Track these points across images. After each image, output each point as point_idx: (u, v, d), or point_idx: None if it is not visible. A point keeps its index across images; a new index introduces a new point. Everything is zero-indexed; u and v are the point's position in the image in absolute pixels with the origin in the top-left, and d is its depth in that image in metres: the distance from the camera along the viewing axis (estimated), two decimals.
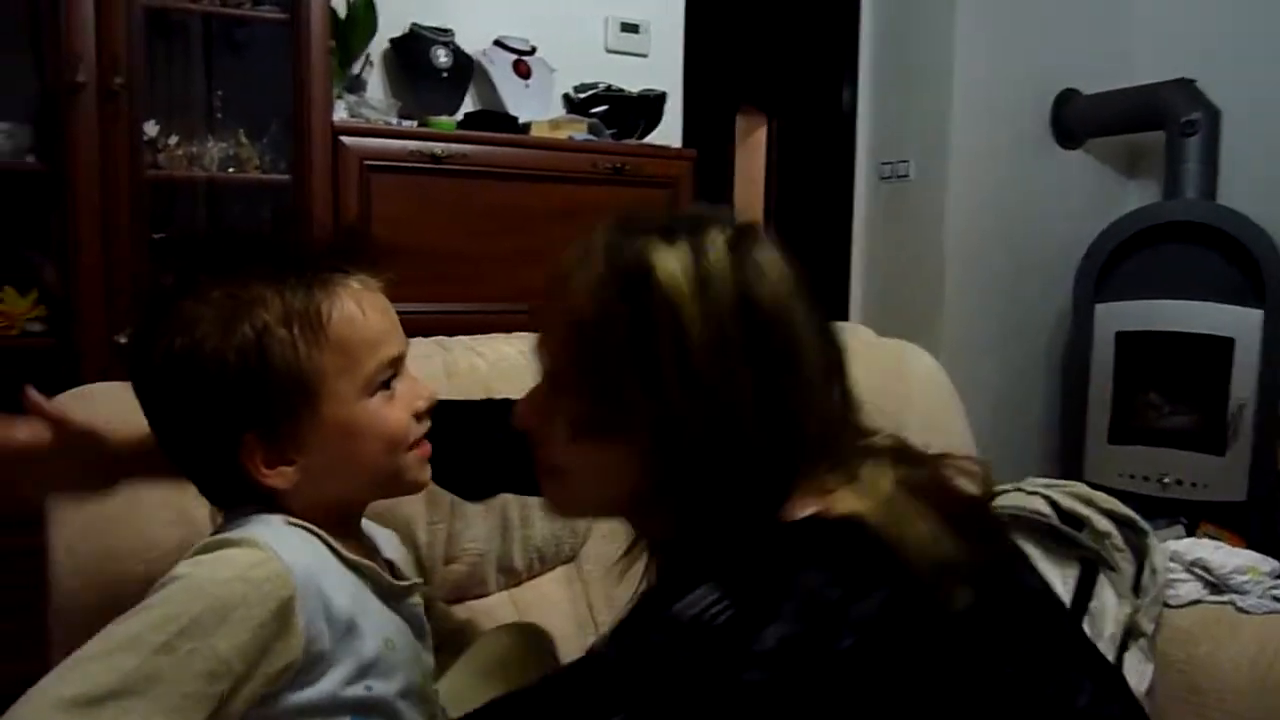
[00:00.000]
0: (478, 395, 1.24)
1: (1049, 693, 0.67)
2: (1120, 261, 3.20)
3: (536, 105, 2.59)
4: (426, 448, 0.81)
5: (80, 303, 1.94)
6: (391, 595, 0.80)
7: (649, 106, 2.65)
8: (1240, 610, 1.29)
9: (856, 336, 1.67)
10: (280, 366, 0.70)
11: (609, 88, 2.66)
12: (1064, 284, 3.38)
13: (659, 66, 2.92)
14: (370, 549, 0.84)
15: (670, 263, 0.66)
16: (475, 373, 1.26)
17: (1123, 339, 3.15)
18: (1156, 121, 3.30)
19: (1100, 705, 0.69)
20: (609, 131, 2.57)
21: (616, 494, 0.72)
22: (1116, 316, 3.17)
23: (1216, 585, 1.32)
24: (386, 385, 0.76)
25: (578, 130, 2.47)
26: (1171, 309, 3.08)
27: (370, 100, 2.38)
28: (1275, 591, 1.33)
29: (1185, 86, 3.24)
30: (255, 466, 0.72)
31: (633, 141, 2.61)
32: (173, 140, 2.15)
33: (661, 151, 2.59)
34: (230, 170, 2.21)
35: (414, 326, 1.40)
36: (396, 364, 0.77)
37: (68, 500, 0.97)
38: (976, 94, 3.39)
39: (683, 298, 0.65)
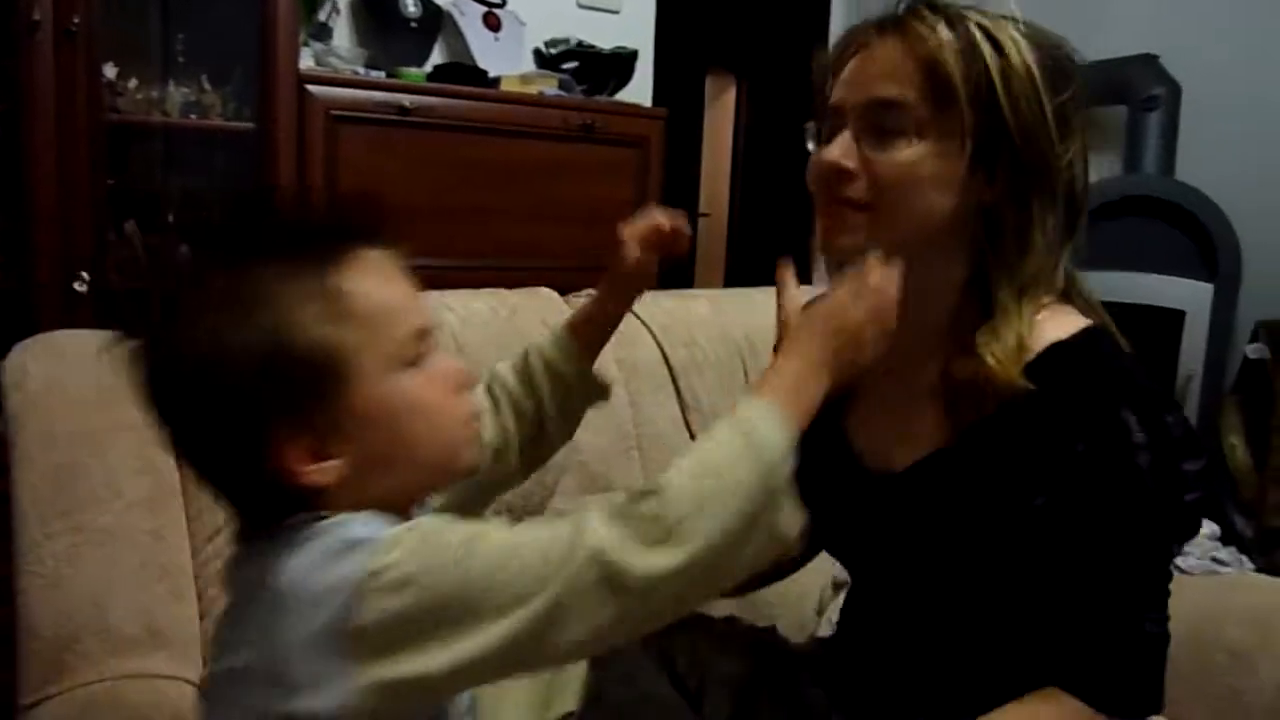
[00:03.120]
0: (446, 350, 1.25)
1: None
2: None
3: (506, 59, 2.56)
4: (474, 426, 0.76)
5: (38, 247, 1.90)
6: None
7: (620, 64, 2.64)
8: (1181, 571, 1.34)
9: None
10: (304, 346, 0.64)
11: (580, 44, 2.63)
12: None
13: (630, 23, 2.89)
14: None
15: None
16: (445, 328, 1.27)
17: None
18: (1119, 96, 3.34)
19: None
20: (579, 88, 2.55)
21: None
22: None
23: None
24: (417, 362, 0.70)
25: (548, 86, 2.45)
26: (1126, 281, 3.13)
27: (337, 49, 2.34)
28: (1214, 554, 1.38)
29: (1148, 62, 3.27)
30: (292, 464, 0.65)
31: (604, 99, 2.59)
32: (132, 84, 2.10)
33: (633, 110, 2.58)
34: (192, 116, 2.17)
35: None
36: (424, 337, 0.71)
37: None
38: None
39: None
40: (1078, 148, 0.85)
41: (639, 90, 2.82)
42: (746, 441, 0.64)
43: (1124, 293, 3.15)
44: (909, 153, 0.80)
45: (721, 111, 5.43)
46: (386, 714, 0.61)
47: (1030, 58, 0.82)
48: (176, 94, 2.15)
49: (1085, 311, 0.89)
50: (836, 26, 3.61)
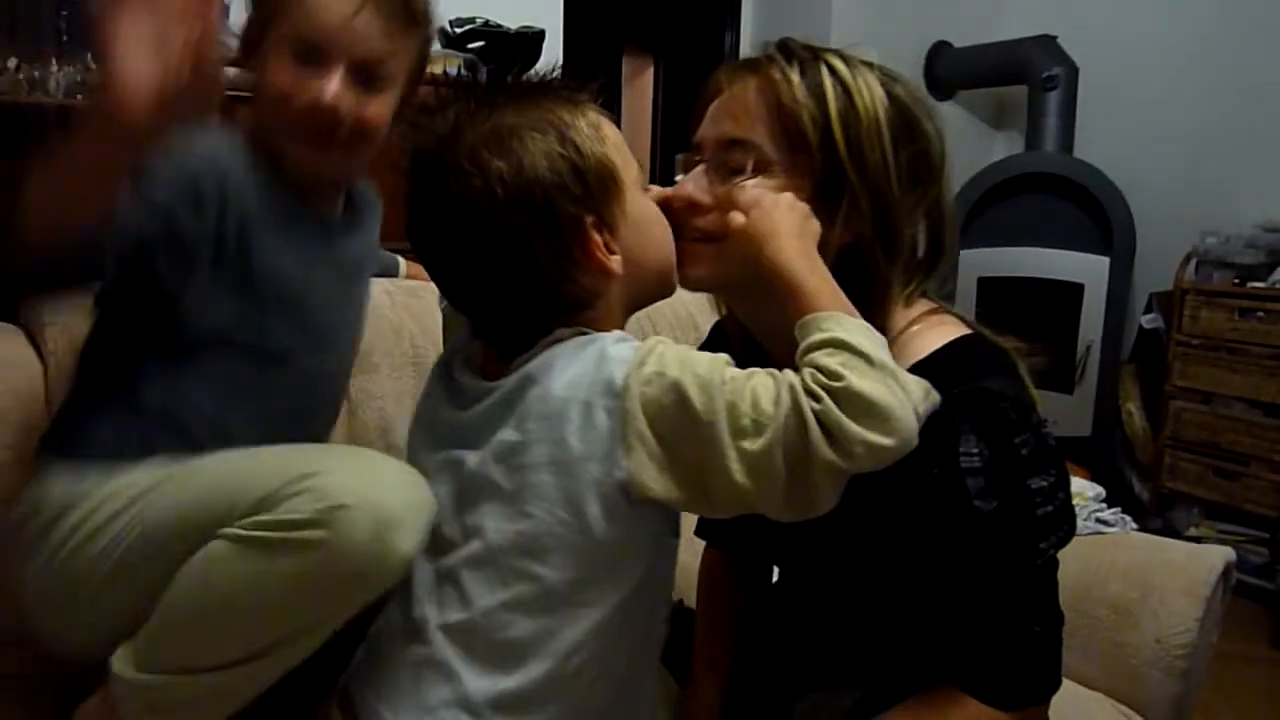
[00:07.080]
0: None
1: None
2: (984, 210, 3.35)
3: None
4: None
5: None
6: None
7: (527, 43, 2.61)
8: None
9: None
10: (592, 156, 0.78)
11: (487, 23, 2.60)
12: None
13: (539, 2, 2.86)
14: None
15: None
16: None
17: (984, 284, 3.31)
18: (1020, 76, 3.43)
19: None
20: (486, 68, 2.52)
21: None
22: (978, 263, 3.31)
23: None
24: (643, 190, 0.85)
25: (454, 66, 2.42)
26: (1028, 256, 3.23)
27: (237, 30, 2.27)
28: (1099, 514, 1.44)
29: (1047, 42, 3.37)
30: (596, 249, 0.78)
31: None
32: (11, 64, 2.01)
33: None
34: (79, 97, 2.08)
35: None
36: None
37: None
38: (853, 42, 3.45)
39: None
40: (935, 197, 0.87)
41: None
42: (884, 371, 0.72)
43: (1025, 267, 3.25)
44: (751, 186, 0.84)
45: (639, 90, 5.42)
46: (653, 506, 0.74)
47: (880, 105, 0.84)
48: (60, 74, 2.07)
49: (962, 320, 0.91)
50: (748, 7, 3.63)
